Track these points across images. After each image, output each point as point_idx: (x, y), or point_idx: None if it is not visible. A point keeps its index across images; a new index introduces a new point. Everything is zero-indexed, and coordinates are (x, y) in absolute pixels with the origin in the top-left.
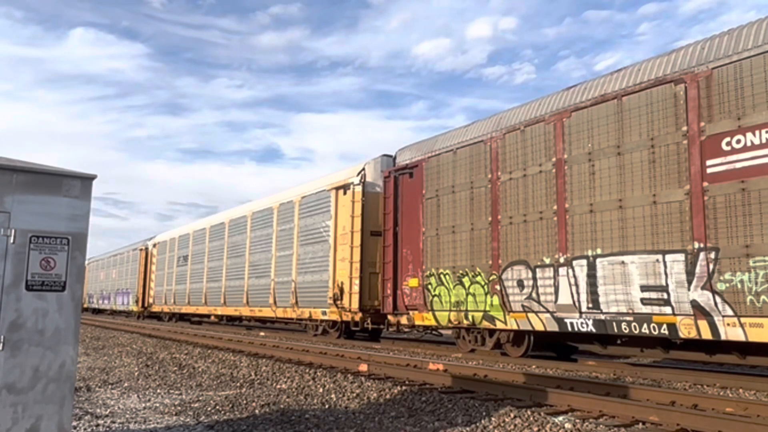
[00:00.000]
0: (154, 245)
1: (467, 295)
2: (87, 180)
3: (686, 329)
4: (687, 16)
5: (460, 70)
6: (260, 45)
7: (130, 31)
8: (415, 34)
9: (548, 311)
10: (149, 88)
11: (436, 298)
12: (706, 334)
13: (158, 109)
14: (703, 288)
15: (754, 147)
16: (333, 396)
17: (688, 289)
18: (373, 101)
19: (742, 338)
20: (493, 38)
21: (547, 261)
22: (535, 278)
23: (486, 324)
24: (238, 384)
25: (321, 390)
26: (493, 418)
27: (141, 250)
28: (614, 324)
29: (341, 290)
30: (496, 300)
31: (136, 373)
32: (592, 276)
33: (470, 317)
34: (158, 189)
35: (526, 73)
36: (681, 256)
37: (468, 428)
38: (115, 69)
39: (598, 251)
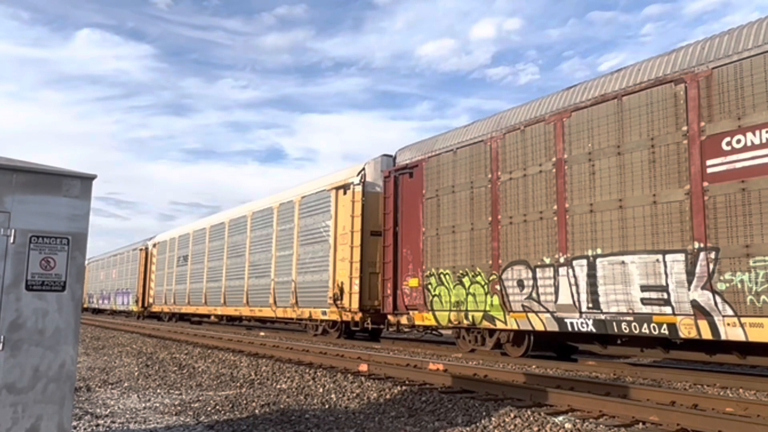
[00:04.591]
0: (154, 245)
1: (467, 295)
2: (87, 180)
3: (686, 329)
4: (691, 17)
5: (464, 71)
6: (265, 46)
7: (136, 32)
8: (420, 35)
9: (548, 311)
10: (154, 89)
11: (436, 298)
12: (706, 334)
13: (162, 109)
14: (703, 288)
15: (754, 147)
16: (333, 396)
17: (689, 289)
18: (378, 102)
19: (742, 338)
20: (498, 39)
21: (547, 261)
22: (535, 278)
23: (486, 324)
24: (238, 384)
25: (321, 390)
26: (493, 418)
27: (141, 250)
28: (614, 324)
29: (341, 290)
30: (496, 300)
31: (136, 373)
32: (592, 276)
33: (470, 317)
34: (161, 189)
35: (530, 73)
36: (681, 256)
37: (468, 428)
38: (121, 70)
39: (598, 251)
